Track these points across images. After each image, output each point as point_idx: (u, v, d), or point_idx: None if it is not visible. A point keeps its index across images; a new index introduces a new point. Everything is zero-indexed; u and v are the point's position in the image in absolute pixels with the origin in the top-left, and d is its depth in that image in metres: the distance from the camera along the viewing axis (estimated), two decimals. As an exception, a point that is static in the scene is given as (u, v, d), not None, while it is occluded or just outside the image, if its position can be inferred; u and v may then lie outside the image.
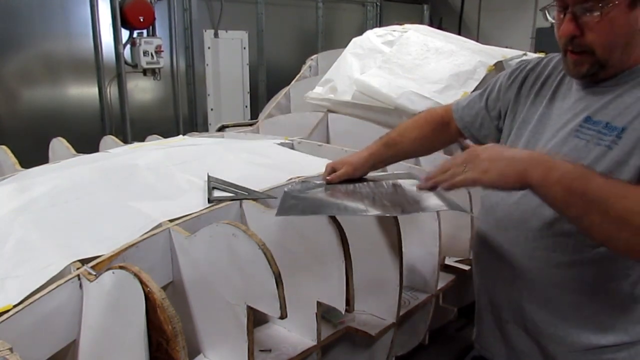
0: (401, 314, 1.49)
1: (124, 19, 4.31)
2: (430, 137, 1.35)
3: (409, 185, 1.25)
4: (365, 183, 1.29)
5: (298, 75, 3.14)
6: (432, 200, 1.11)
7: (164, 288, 1.19)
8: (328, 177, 1.30)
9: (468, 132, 1.29)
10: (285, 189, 1.29)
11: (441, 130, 1.34)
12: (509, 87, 1.19)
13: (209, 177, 1.52)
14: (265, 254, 1.06)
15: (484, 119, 1.25)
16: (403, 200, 1.15)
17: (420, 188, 1.11)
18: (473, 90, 2.13)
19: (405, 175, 1.35)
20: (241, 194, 1.43)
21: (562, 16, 0.97)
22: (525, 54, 2.51)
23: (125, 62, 4.45)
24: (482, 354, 1.25)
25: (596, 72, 0.97)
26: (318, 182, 1.33)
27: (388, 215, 1.17)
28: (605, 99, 0.98)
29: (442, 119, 1.33)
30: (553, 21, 1.00)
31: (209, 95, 5.16)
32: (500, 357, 1.18)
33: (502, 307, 1.16)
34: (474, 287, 1.26)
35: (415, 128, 1.35)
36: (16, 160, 1.95)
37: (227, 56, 5.18)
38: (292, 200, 1.20)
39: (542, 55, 1.26)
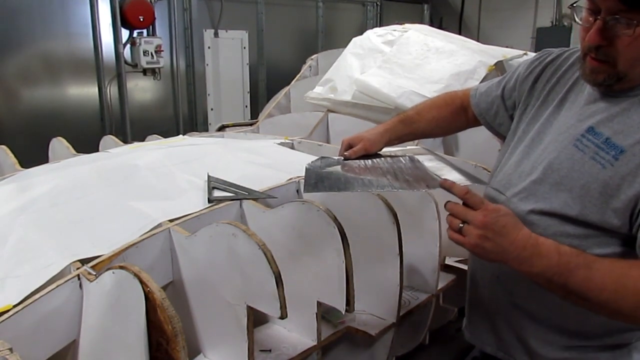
0: (401, 314, 1.49)
1: (123, 18, 4.32)
2: (447, 119, 1.34)
3: (426, 159, 1.23)
4: (383, 159, 1.27)
5: (298, 75, 3.14)
6: (453, 174, 1.10)
7: (164, 288, 1.19)
8: (346, 153, 1.30)
9: (483, 119, 1.28)
10: (307, 166, 1.28)
11: (459, 114, 1.33)
12: (526, 78, 1.17)
13: (209, 177, 1.52)
14: (265, 254, 1.06)
15: (499, 108, 1.24)
16: (425, 175, 1.13)
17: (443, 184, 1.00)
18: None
19: (418, 150, 1.33)
20: (241, 194, 1.43)
21: (590, 19, 0.92)
22: (525, 54, 2.50)
23: (125, 62, 4.45)
24: (472, 342, 1.25)
25: (611, 83, 0.94)
26: (336, 158, 1.32)
27: (413, 190, 1.16)
28: (612, 110, 0.96)
29: (461, 103, 1.33)
30: (580, 23, 0.96)
31: (209, 95, 5.16)
32: (490, 346, 1.18)
33: (489, 300, 1.16)
34: (467, 276, 1.26)
35: (433, 108, 1.35)
36: (16, 160, 1.95)
37: (227, 56, 5.19)
38: (317, 177, 1.19)
39: None
